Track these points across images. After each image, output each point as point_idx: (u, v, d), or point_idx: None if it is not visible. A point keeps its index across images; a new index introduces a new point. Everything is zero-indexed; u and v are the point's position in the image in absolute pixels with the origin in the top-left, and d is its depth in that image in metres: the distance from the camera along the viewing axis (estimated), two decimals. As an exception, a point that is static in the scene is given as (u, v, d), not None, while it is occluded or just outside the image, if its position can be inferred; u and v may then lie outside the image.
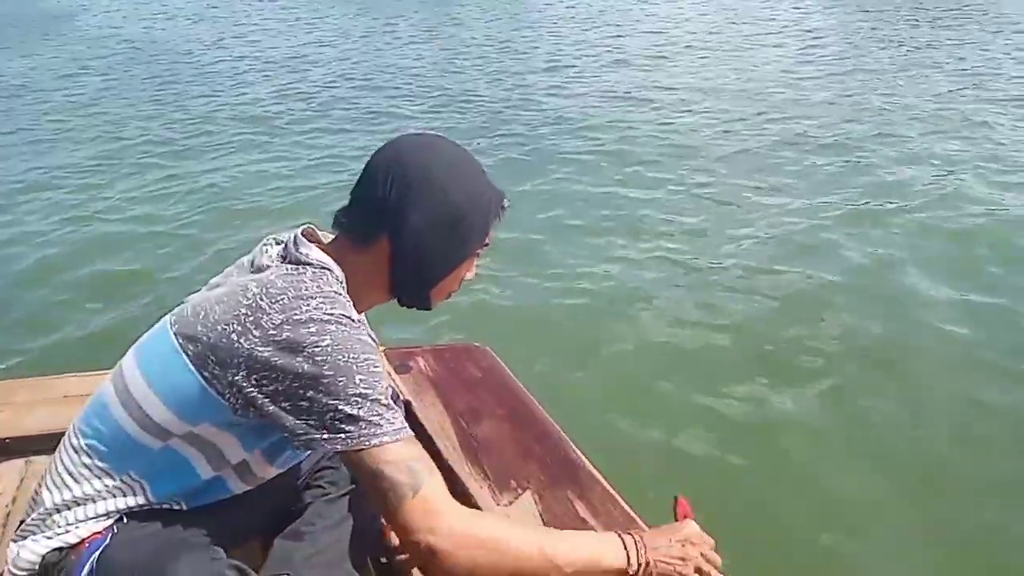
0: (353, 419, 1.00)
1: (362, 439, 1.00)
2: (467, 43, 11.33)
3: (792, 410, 2.92)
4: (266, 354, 1.00)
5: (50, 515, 1.11)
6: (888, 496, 2.48)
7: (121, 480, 1.10)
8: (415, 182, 1.08)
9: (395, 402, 1.53)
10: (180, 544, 1.08)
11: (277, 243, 1.16)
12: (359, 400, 1.00)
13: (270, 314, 1.01)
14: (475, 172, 1.14)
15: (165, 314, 1.16)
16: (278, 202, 5.35)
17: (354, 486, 1.44)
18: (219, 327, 1.04)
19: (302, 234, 1.14)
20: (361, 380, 1.01)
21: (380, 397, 1.02)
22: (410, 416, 1.76)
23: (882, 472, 2.58)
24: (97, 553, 1.07)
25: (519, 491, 1.54)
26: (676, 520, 1.21)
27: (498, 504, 1.51)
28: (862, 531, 2.33)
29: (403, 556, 1.39)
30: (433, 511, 1.01)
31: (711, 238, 4.47)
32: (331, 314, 1.02)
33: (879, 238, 4.31)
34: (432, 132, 1.21)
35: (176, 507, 1.15)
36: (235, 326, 1.02)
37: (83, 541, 1.09)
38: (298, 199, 5.37)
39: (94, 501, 1.11)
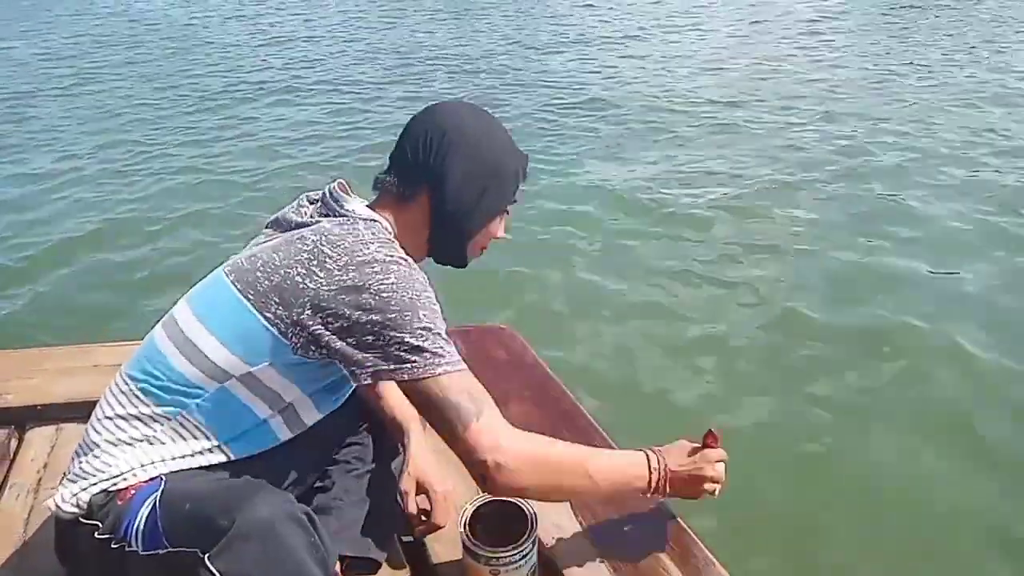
0: (418, 350, 1.06)
1: (427, 368, 1.06)
2: (492, 22, 11.24)
3: (829, 411, 2.85)
4: (332, 292, 1.06)
5: (98, 458, 1.11)
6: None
7: (177, 421, 1.11)
8: (453, 140, 1.17)
9: None
10: (251, 483, 1.10)
11: (311, 201, 1.22)
12: (423, 333, 1.06)
13: (333, 256, 1.07)
14: (504, 133, 1.24)
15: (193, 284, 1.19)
16: (304, 176, 5.34)
17: (376, 464, 1.44)
18: (281, 271, 1.09)
19: (337, 188, 1.20)
20: (424, 315, 1.07)
21: (441, 332, 1.09)
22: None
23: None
24: (156, 495, 1.06)
25: (546, 474, 1.53)
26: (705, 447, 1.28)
27: (525, 486, 1.49)
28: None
29: (422, 528, 1.40)
30: (498, 433, 1.09)
31: (749, 224, 4.40)
32: (391, 255, 1.09)
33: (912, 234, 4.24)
34: (460, 100, 1.27)
35: (222, 458, 1.15)
36: (298, 269, 1.08)
37: (129, 488, 1.09)
38: (325, 169, 5.36)
39: (146, 444, 1.11)
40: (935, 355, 3.11)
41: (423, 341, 1.06)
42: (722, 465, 1.27)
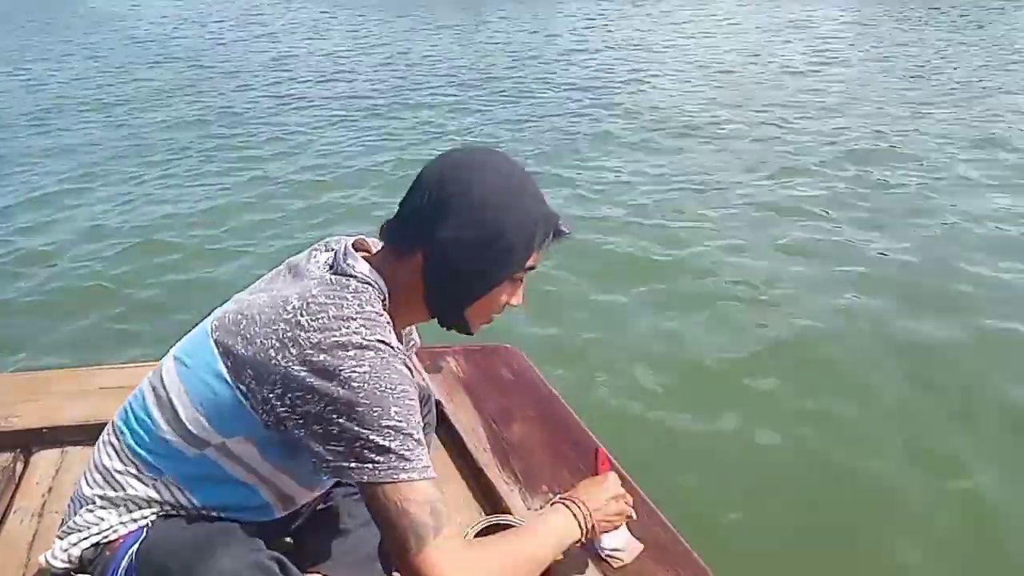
0: (384, 450, 0.98)
1: (390, 472, 0.98)
2: (508, 43, 11.35)
3: (834, 429, 2.84)
4: (302, 374, 0.98)
5: (92, 512, 1.12)
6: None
7: (163, 483, 1.10)
8: (452, 194, 1.05)
9: (427, 402, 1.54)
10: (220, 534, 1.07)
11: (327, 250, 1.15)
12: (392, 432, 0.98)
13: (309, 332, 0.99)
14: (524, 191, 1.09)
15: (197, 315, 1.16)
16: (316, 203, 5.36)
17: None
18: (257, 341, 1.02)
19: (353, 245, 1.12)
20: (396, 412, 0.99)
21: (413, 432, 1.01)
22: (441, 417, 1.75)
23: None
24: (135, 546, 1.07)
25: (550, 495, 1.52)
26: (598, 472, 1.36)
27: (529, 508, 1.49)
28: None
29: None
30: (455, 556, 1.00)
31: (748, 244, 4.41)
32: (370, 340, 1.00)
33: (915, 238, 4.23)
34: (489, 147, 1.15)
35: (215, 514, 1.14)
36: (273, 341, 1.01)
37: (119, 539, 1.09)
38: (342, 200, 5.39)
39: (135, 503, 1.11)
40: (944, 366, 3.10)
41: (390, 441, 0.98)
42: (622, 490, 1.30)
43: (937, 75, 8.10)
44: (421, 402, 1.49)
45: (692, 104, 7.45)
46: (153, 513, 1.11)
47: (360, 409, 0.97)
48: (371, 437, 0.97)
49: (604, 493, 1.26)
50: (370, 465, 0.98)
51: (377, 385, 0.98)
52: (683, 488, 2.43)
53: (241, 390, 1.03)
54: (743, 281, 3.97)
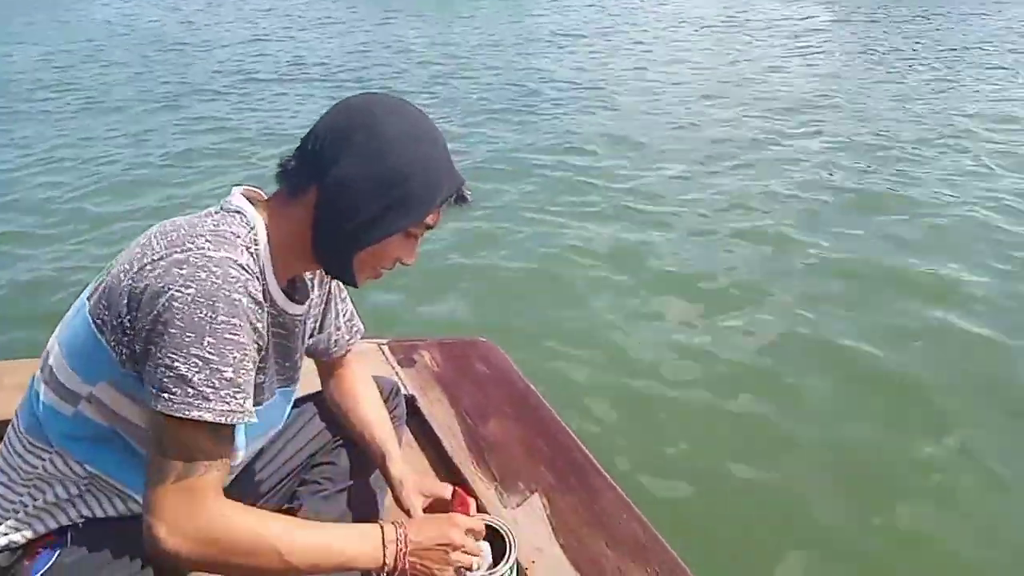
0: (183, 381, 0.90)
1: (182, 408, 0.90)
2: (470, 30, 11.30)
3: (805, 416, 2.81)
4: (139, 287, 0.94)
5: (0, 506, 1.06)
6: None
7: (56, 453, 1.03)
8: (357, 134, 1.00)
9: (395, 395, 1.46)
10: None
11: None
12: (198, 363, 0.90)
13: (156, 249, 0.96)
14: (432, 146, 1.04)
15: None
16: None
17: (352, 482, 1.38)
18: (114, 270, 1.00)
19: (242, 193, 1.06)
20: (209, 343, 0.90)
21: (224, 369, 0.92)
22: (414, 412, 1.70)
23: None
24: (46, 567, 1.02)
25: (527, 493, 1.49)
26: (453, 510, 1.19)
27: (506, 507, 1.45)
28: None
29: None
30: (179, 506, 0.91)
31: (726, 234, 4.38)
32: (211, 256, 0.93)
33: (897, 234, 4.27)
34: (402, 98, 1.08)
35: (134, 496, 1.05)
36: (124, 265, 0.98)
37: (35, 546, 1.03)
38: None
39: (37, 488, 1.04)
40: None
41: (194, 372, 0.90)
42: (477, 537, 1.13)
43: (911, 70, 8.21)
44: (388, 395, 1.44)
45: (660, 95, 7.46)
46: (60, 501, 1.04)
47: (173, 331, 0.90)
48: (175, 364, 0.90)
49: (438, 535, 1.08)
50: (165, 395, 0.90)
51: (197, 311, 0.90)
52: (662, 486, 2.39)
53: (97, 324, 0.98)
54: (715, 272, 3.93)
